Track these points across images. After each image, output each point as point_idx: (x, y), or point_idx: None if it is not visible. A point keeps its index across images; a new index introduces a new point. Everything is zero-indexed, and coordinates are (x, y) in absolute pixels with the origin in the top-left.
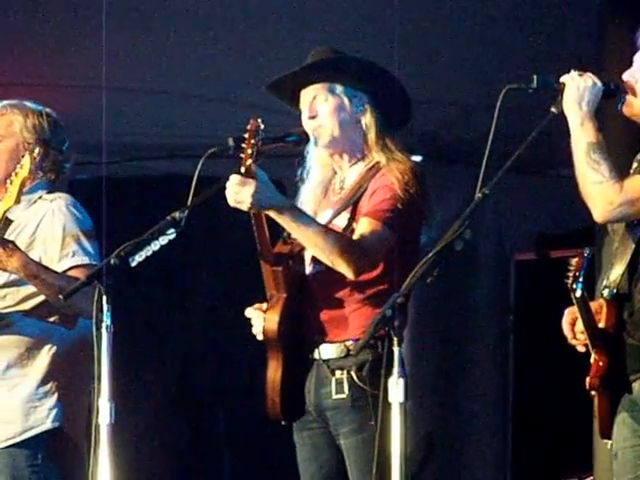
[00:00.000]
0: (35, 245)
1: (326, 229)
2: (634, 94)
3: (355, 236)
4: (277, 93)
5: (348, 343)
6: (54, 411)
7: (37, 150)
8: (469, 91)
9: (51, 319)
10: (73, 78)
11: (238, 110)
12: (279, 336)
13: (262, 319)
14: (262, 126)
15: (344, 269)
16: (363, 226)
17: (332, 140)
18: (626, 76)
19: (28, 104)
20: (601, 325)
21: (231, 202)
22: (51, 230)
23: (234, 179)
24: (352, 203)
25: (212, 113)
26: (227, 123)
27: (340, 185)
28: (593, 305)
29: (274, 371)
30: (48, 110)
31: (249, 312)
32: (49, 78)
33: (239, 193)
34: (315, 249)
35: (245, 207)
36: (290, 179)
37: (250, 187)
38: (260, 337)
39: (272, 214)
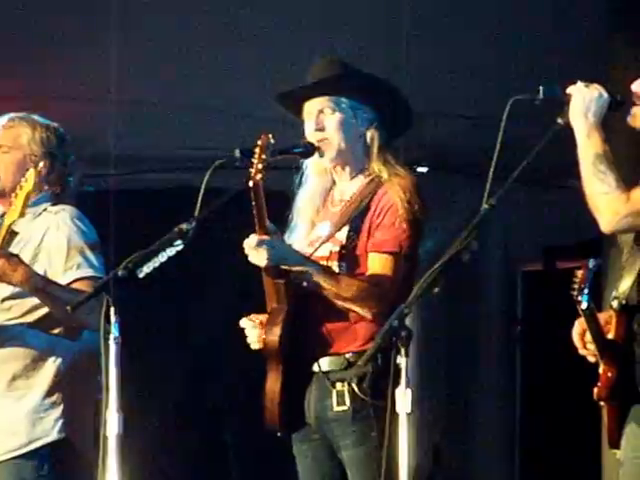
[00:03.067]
0: (40, 258)
1: (338, 277)
2: None
3: (369, 274)
4: (284, 103)
5: (348, 355)
6: (60, 422)
7: (42, 163)
8: (476, 102)
9: (55, 331)
10: (82, 91)
11: (245, 122)
12: (280, 349)
13: (257, 329)
14: (272, 141)
15: (363, 312)
16: (375, 266)
17: (338, 154)
18: (636, 86)
19: (36, 117)
20: (610, 336)
21: (249, 259)
22: (56, 242)
23: (252, 241)
24: (353, 218)
25: (219, 125)
26: (234, 135)
27: (339, 197)
28: (602, 316)
29: (273, 383)
30: (55, 124)
31: (243, 322)
32: (58, 91)
33: (256, 254)
34: (330, 296)
35: (261, 265)
36: (292, 191)
37: (265, 248)
38: (254, 347)
39: (285, 268)
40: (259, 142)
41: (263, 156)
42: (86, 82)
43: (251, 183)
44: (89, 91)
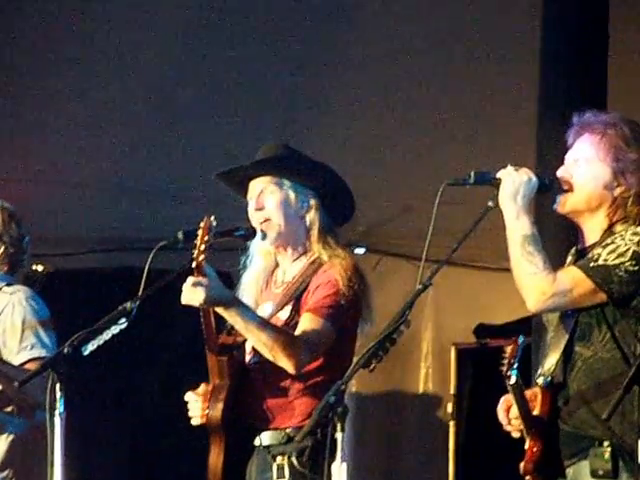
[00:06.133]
0: None
1: (270, 326)
2: (570, 188)
3: (297, 332)
4: (226, 181)
5: (288, 430)
6: None
7: (3, 247)
8: (410, 186)
9: (8, 409)
10: (26, 172)
11: (188, 205)
12: (222, 424)
13: (199, 403)
14: (214, 224)
15: (285, 364)
16: (305, 322)
17: (279, 234)
18: (560, 172)
19: None
20: (536, 412)
21: (184, 300)
22: (11, 323)
23: (189, 281)
24: (295, 297)
25: (163, 207)
26: (176, 218)
27: (282, 278)
28: (528, 393)
29: (216, 457)
30: (6, 205)
31: (188, 396)
32: (3, 172)
33: (192, 293)
34: (258, 344)
35: (197, 304)
36: (236, 271)
37: (201, 287)
38: (195, 422)
39: (220, 310)
40: (202, 224)
41: (206, 238)
42: (30, 163)
43: (194, 264)
44: (33, 172)
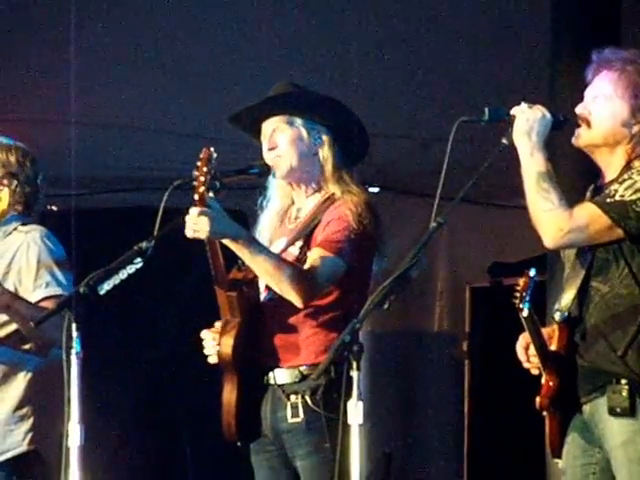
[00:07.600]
0: (10, 275)
1: (278, 257)
2: (588, 125)
3: (306, 266)
4: (239, 124)
5: (302, 368)
6: (30, 434)
7: (15, 183)
8: (424, 124)
9: (26, 347)
10: (43, 112)
11: (203, 144)
12: (233, 360)
13: (215, 342)
14: (215, 155)
15: (293, 297)
16: (314, 256)
17: (290, 170)
18: (579, 109)
19: (1, 139)
20: (553, 347)
21: (189, 233)
22: (26, 261)
23: (193, 211)
24: (306, 233)
25: (178, 147)
26: (192, 157)
27: (296, 215)
28: (546, 329)
29: (229, 394)
30: (19, 144)
31: (204, 334)
32: (19, 112)
33: (197, 224)
34: (266, 276)
35: (202, 236)
36: (252, 210)
37: (206, 218)
38: (211, 360)
39: (227, 242)
40: (200, 156)
41: (205, 169)
42: (47, 104)
43: (196, 196)
44: (50, 113)
